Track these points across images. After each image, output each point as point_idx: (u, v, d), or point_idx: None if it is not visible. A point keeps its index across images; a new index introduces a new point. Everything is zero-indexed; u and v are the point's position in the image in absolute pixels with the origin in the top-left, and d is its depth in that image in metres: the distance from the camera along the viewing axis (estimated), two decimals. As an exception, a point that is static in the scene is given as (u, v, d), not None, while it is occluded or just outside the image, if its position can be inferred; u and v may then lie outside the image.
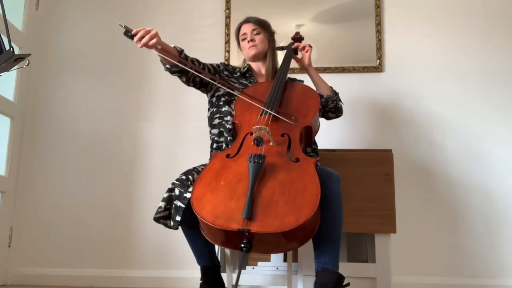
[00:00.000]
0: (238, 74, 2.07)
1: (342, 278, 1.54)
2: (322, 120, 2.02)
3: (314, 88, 2.00)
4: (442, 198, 2.62)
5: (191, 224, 1.62)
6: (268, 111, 1.74)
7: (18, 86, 2.80)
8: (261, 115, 1.75)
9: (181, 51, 1.83)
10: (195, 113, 2.74)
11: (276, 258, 2.13)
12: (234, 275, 1.96)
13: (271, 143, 1.62)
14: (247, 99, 1.78)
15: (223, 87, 1.92)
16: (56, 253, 2.70)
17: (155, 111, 2.85)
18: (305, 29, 2.83)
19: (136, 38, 1.66)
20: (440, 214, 2.60)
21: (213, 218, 1.38)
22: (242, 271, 2.06)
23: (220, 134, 1.92)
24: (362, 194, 2.04)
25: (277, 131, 1.67)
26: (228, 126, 1.89)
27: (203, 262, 1.79)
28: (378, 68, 2.77)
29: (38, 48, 2.92)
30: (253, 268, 2.10)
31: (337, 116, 2.08)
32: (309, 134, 1.76)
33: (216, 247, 1.84)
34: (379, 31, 2.80)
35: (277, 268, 2.08)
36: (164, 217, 1.67)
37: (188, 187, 1.65)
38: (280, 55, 2.10)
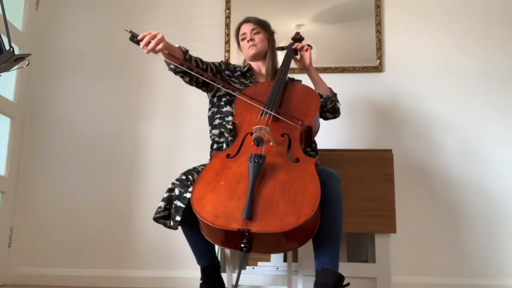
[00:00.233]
0: (239, 73, 2.07)
1: (342, 278, 1.54)
2: (321, 120, 2.02)
3: (314, 88, 2.00)
4: (442, 198, 2.62)
5: (191, 224, 1.62)
6: (269, 111, 1.74)
7: (18, 86, 2.80)
8: (261, 115, 1.75)
9: (185, 52, 1.81)
10: (195, 113, 2.74)
11: (276, 258, 2.13)
12: (234, 275, 1.96)
13: (271, 143, 1.62)
14: (247, 100, 1.78)
15: (224, 88, 1.91)
16: (56, 253, 2.70)
17: (155, 111, 2.85)
18: (305, 29, 2.83)
19: (142, 44, 1.63)
20: (440, 214, 2.60)
21: (213, 218, 1.38)
22: (242, 271, 2.06)
23: (220, 134, 1.91)
24: (362, 194, 2.04)
25: (277, 131, 1.67)
26: (229, 126, 1.89)
27: (203, 262, 1.79)
28: (378, 68, 2.77)
29: (38, 48, 2.92)
30: (253, 268, 2.10)
31: (335, 117, 2.09)
32: (309, 134, 1.76)
33: (216, 247, 1.84)
34: (379, 31, 2.80)
35: (277, 268, 2.08)
36: (164, 217, 1.67)
37: (188, 187, 1.65)
38: (280, 55, 2.10)
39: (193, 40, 2.84)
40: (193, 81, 1.92)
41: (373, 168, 2.07)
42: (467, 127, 2.68)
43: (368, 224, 2.02)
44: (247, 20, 2.11)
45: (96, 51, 2.93)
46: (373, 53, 2.78)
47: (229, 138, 1.87)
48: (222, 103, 1.96)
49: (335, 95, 2.04)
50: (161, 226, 1.69)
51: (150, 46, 1.63)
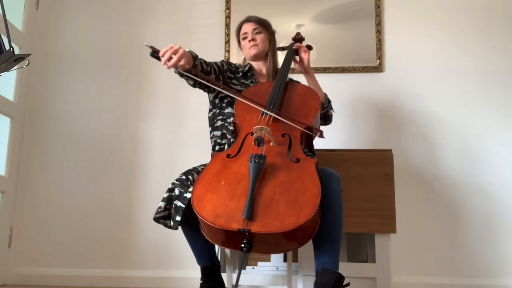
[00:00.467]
0: (240, 74, 2.06)
1: (342, 278, 1.54)
2: (320, 121, 2.02)
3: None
4: (442, 198, 2.62)
5: (191, 224, 1.62)
6: (269, 113, 1.73)
7: (18, 86, 2.80)
8: (262, 115, 1.75)
9: (195, 57, 1.77)
10: (195, 113, 2.74)
11: (276, 258, 2.13)
12: (234, 275, 1.96)
13: (271, 143, 1.62)
14: (247, 102, 1.77)
15: (226, 92, 1.90)
16: (56, 253, 2.70)
17: (155, 111, 2.85)
18: (305, 29, 2.83)
19: (163, 60, 1.58)
20: (440, 214, 2.60)
21: (214, 218, 1.38)
22: (242, 271, 2.06)
23: (223, 136, 1.91)
24: (362, 194, 2.04)
25: (278, 132, 1.67)
26: (231, 128, 1.88)
27: (203, 262, 1.79)
28: (378, 68, 2.77)
29: (38, 48, 2.92)
30: (253, 268, 2.10)
31: (326, 124, 2.10)
32: (309, 134, 1.76)
33: (216, 247, 1.84)
34: (379, 31, 2.80)
35: (277, 268, 2.08)
36: (164, 217, 1.67)
37: (188, 187, 1.65)
38: (281, 56, 2.10)
39: (193, 40, 2.83)
40: (197, 84, 1.89)
41: (373, 168, 2.07)
42: (467, 127, 2.68)
43: (368, 224, 2.02)
44: (248, 20, 2.10)
45: (96, 51, 2.93)
46: (373, 53, 2.78)
47: (231, 140, 1.86)
48: (224, 104, 1.96)
49: (329, 102, 2.04)
50: (161, 226, 1.69)
51: (172, 62, 1.57)
